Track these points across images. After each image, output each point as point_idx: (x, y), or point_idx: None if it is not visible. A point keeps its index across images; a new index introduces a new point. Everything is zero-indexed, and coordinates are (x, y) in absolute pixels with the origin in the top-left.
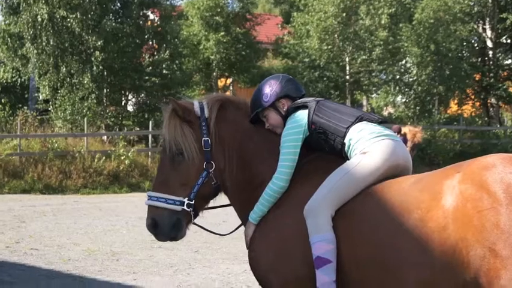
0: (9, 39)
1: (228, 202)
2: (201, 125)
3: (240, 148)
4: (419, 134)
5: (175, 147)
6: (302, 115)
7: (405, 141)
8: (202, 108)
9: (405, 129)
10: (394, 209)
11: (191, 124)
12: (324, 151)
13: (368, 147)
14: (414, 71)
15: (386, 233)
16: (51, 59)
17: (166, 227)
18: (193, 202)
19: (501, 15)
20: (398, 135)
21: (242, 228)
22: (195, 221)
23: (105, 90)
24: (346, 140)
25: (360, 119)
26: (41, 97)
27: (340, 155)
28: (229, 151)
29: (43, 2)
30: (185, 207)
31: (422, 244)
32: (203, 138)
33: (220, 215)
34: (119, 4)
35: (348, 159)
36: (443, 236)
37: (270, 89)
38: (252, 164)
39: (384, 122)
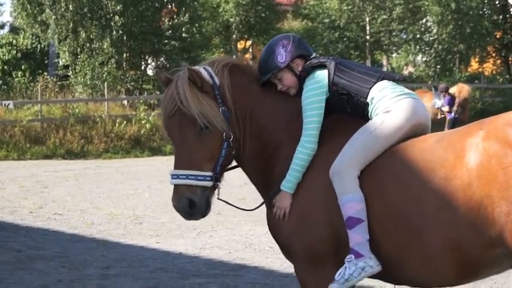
0: (28, 5)
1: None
2: (215, 94)
3: (252, 114)
4: (465, 88)
5: (203, 121)
6: (322, 75)
7: (453, 100)
8: (211, 75)
9: (453, 89)
10: (418, 168)
11: (208, 94)
12: (345, 112)
13: (390, 106)
14: (435, 30)
15: (410, 192)
16: (71, 25)
17: (203, 205)
18: (218, 175)
19: None
20: (446, 95)
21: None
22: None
23: (124, 55)
24: (368, 99)
25: (381, 78)
26: (60, 63)
27: (361, 116)
28: (242, 118)
29: None
30: (214, 181)
31: (447, 202)
32: (221, 108)
33: (242, 177)
34: None
35: (370, 119)
36: (468, 193)
37: (284, 49)
38: (265, 130)
39: (403, 80)
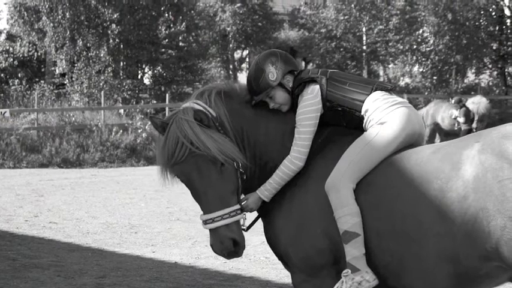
0: (25, 13)
1: None
2: (216, 127)
3: (248, 136)
4: (483, 104)
5: (224, 158)
6: (315, 91)
7: (468, 111)
8: (206, 108)
9: (468, 102)
10: (413, 180)
11: (212, 128)
12: (341, 125)
13: (384, 117)
14: (431, 41)
15: (406, 204)
16: (68, 33)
17: (243, 239)
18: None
19: None
20: (463, 107)
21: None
22: None
23: (121, 63)
24: (362, 112)
25: (374, 90)
26: (57, 71)
27: (357, 128)
28: (241, 141)
29: None
30: (243, 212)
31: (442, 214)
32: (226, 139)
33: None
34: None
35: (365, 130)
36: (463, 206)
37: (274, 66)
38: (263, 149)
39: (395, 88)
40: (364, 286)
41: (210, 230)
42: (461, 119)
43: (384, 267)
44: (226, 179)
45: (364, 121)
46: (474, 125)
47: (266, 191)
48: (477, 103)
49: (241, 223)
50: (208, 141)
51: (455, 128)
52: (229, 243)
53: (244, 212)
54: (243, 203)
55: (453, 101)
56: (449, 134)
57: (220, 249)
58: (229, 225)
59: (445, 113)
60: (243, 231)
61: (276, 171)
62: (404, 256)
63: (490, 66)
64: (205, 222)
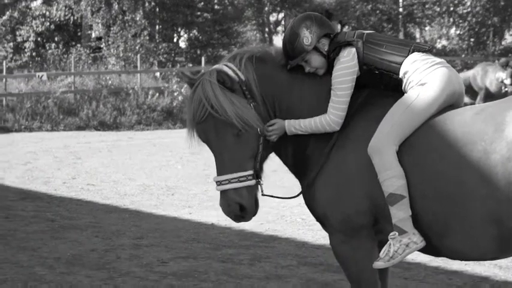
0: None
1: None
2: (243, 91)
3: (281, 101)
4: None
5: (241, 124)
6: (351, 54)
7: None
8: (235, 72)
9: None
10: (457, 141)
11: (237, 92)
12: (378, 88)
13: (424, 78)
14: (468, 3)
15: (450, 165)
16: None
17: (253, 205)
18: (259, 171)
19: None
20: (508, 68)
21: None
22: None
23: (157, 27)
24: (401, 75)
25: (411, 51)
26: (93, 35)
27: (395, 90)
28: (271, 107)
29: None
30: (257, 179)
31: (486, 176)
32: (251, 104)
33: None
34: None
35: (405, 92)
36: (507, 167)
37: (308, 30)
38: (296, 116)
39: (432, 49)
40: (412, 248)
41: (220, 192)
42: (507, 81)
43: (428, 228)
44: (244, 143)
45: (404, 83)
46: None
47: (294, 128)
48: None
49: (259, 189)
50: (227, 104)
51: (502, 92)
52: (235, 207)
53: (260, 179)
54: (269, 125)
55: (499, 63)
56: (494, 97)
57: (228, 212)
58: (238, 190)
59: (492, 76)
60: (256, 197)
61: (311, 120)
62: (448, 218)
63: None
64: (216, 184)
